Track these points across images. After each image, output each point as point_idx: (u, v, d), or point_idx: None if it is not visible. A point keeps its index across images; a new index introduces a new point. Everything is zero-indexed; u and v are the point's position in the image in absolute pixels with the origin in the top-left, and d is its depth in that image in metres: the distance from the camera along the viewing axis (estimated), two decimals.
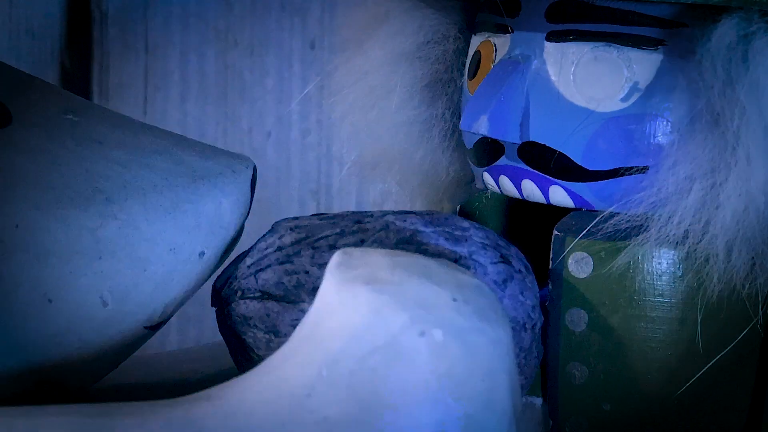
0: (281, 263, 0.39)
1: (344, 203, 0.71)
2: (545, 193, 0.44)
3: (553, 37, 0.43)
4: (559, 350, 0.43)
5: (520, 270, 0.38)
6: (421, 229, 0.38)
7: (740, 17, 0.40)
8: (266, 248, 0.40)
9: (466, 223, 0.39)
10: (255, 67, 0.70)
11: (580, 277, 0.42)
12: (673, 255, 0.41)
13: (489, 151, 0.45)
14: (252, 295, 0.39)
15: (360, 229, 0.39)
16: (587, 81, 0.42)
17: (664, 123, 0.42)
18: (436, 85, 0.48)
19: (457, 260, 0.39)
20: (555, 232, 0.43)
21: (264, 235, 0.41)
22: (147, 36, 0.69)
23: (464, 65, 0.48)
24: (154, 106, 0.69)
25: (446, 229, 0.38)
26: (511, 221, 0.48)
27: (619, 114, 0.42)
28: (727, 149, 0.40)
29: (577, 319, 0.43)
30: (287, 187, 0.70)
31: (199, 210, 0.39)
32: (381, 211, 0.40)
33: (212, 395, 0.32)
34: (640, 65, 0.42)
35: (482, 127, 0.43)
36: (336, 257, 0.33)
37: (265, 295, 0.39)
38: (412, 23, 0.48)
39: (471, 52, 0.47)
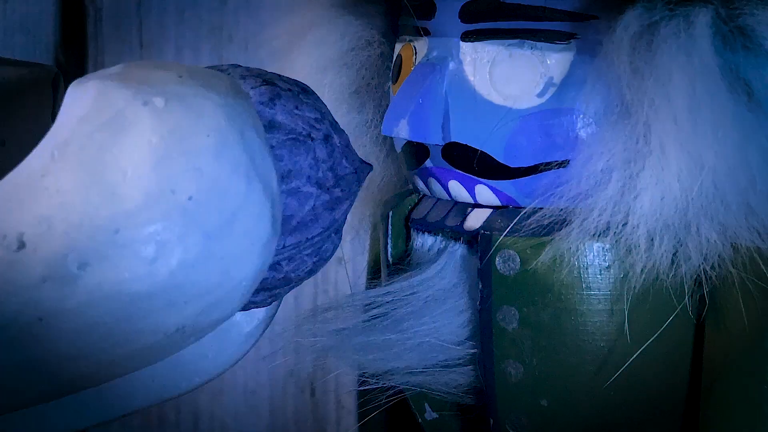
0: None
1: None
2: (471, 193, 0.44)
3: (468, 36, 0.43)
4: (493, 349, 0.43)
5: (289, 89, 0.38)
6: None
7: (644, 6, 0.40)
8: None
9: (225, 66, 0.39)
10: (250, 62, 0.70)
11: (508, 274, 0.42)
12: (597, 247, 0.42)
13: (415, 154, 0.45)
14: None
15: None
16: (503, 79, 0.43)
17: (581, 116, 0.42)
18: (363, 91, 0.49)
19: None
20: (481, 231, 0.43)
21: None
22: (141, 31, 0.69)
23: (390, 70, 0.48)
24: None
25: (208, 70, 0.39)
26: None
27: (535, 110, 0.42)
28: (640, 139, 0.40)
29: (508, 317, 0.43)
30: None
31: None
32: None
33: None
34: (553, 60, 0.42)
35: (402, 131, 0.43)
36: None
37: None
38: (336, 31, 0.48)
39: (394, 57, 0.47)
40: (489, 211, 0.44)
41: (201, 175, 0.33)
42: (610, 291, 0.42)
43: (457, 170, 0.44)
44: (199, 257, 0.33)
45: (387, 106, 0.48)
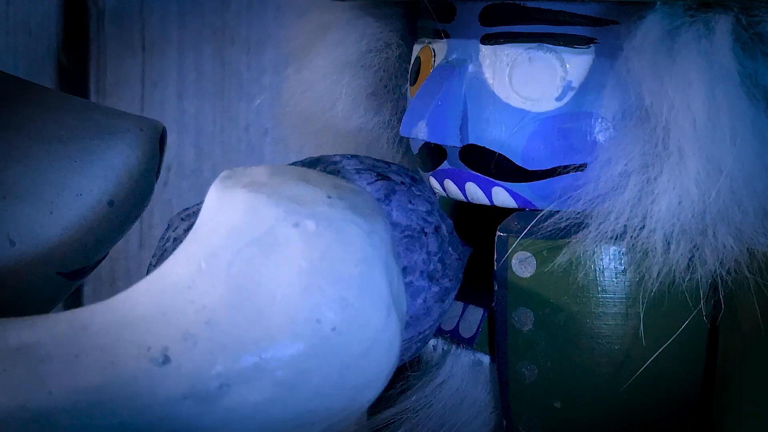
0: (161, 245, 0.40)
1: None
2: (488, 195, 0.44)
3: (488, 39, 0.43)
4: (508, 350, 0.43)
5: (402, 182, 0.39)
6: None
7: (664, 12, 0.40)
8: (164, 243, 0.41)
9: (337, 157, 0.40)
10: (252, 64, 0.70)
11: (524, 276, 0.43)
12: (614, 250, 0.42)
13: (432, 155, 0.46)
14: None
15: None
16: (522, 82, 0.43)
17: (599, 120, 0.42)
18: (381, 92, 0.49)
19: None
20: (498, 233, 0.43)
21: (163, 232, 0.42)
22: (144, 33, 0.69)
23: (408, 72, 0.48)
24: (152, 103, 0.69)
25: (317, 168, 0.39)
26: (459, 224, 0.48)
27: (554, 113, 0.43)
28: (659, 143, 0.40)
29: (523, 319, 0.43)
30: None
31: (106, 161, 0.41)
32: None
33: (103, 301, 0.34)
34: (573, 64, 0.42)
35: (421, 132, 0.43)
36: (221, 175, 0.35)
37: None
38: (354, 32, 0.48)
39: (413, 59, 0.47)
40: (481, 311, 0.44)
41: (346, 306, 0.33)
42: (625, 294, 0.42)
43: (474, 172, 0.44)
44: (335, 386, 0.33)
45: (404, 108, 0.48)
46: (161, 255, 0.41)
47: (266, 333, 0.32)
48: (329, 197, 0.34)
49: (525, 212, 0.44)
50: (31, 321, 0.33)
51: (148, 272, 0.42)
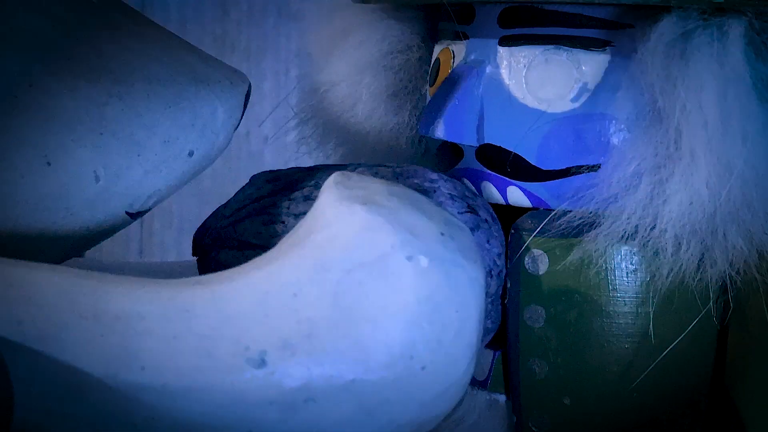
0: (258, 213, 0.40)
1: None
2: (503, 194, 0.45)
3: (506, 41, 0.44)
4: (519, 346, 0.44)
5: (486, 220, 0.39)
6: (390, 180, 0.39)
7: (679, 16, 0.41)
8: (244, 199, 0.41)
9: (434, 175, 0.40)
10: (252, 71, 0.71)
11: (537, 273, 0.43)
12: (625, 250, 0.42)
13: (450, 155, 0.46)
14: (231, 245, 0.40)
15: None
16: (538, 83, 0.44)
17: (613, 121, 0.43)
18: (401, 94, 0.50)
19: None
20: (511, 230, 0.44)
21: (243, 187, 0.42)
22: None
23: (428, 74, 0.49)
24: None
25: (415, 181, 0.40)
26: None
27: (569, 114, 0.43)
28: (671, 145, 0.41)
29: (535, 316, 0.44)
30: None
31: (196, 110, 0.40)
32: (355, 164, 0.41)
33: (203, 280, 0.34)
34: (588, 66, 0.43)
35: (438, 131, 0.44)
36: (334, 177, 0.35)
37: (243, 244, 0.40)
38: (376, 34, 0.49)
39: (433, 61, 0.48)
40: (491, 353, 0.45)
41: (440, 348, 0.33)
42: (636, 293, 0.43)
43: (490, 171, 0.45)
44: (410, 418, 0.34)
45: (423, 108, 0.49)
46: (238, 209, 0.40)
47: (362, 357, 0.33)
48: (442, 234, 0.34)
49: (539, 211, 0.44)
50: (132, 287, 0.33)
51: (209, 226, 0.41)
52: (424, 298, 0.33)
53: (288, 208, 0.41)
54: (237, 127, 0.43)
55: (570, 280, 0.43)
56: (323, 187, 0.35)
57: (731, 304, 0.42)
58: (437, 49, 0.48)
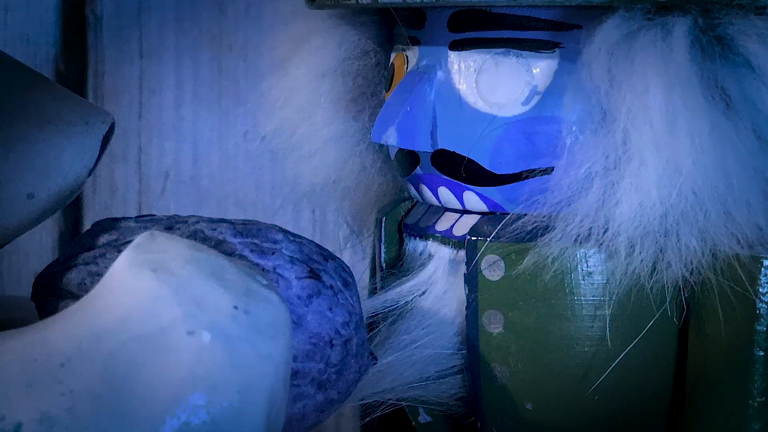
0: (86, 263, 0.39)
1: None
2: (460, 199, 0.45)
3: (456, 46, 0.44)
4: (479, 352, 0.44)
5: (331, 286, 0.38)
6: (229, 239, 0.39)
7: (622, 16, 0.40)
8: (78, 247, 0.40)
9: (279, 236, 0.39)
10: (249, 71, 0.71)
11: (494, 279, 0.43)
12: (580, 253, 0.42)
13: (406, 161, 0.46)
14: (57, 294, 0.39)
15: None
16: (489, 87, 0.43)
17: (563, 124, 0.42)
18: (360, 99, 0.49)
19: None
20: (467, 236, 0.44)
21: (81, 234, 0.41)
22: (141, 41, 0.70)
23: (386, 79, 0.49)
24: (150, 110, 0.70)
25: (254, 241, 0.39)
26: None
27: (520, 118, 0.43)
28: (619, 147, 0.40)
29: (494, 321, 0.43)
30: (282, 192, 0.71)
31: (36, 152, 0.39)
32: (197, 217, 0.40)
33: None
34: (538, 69, 0.43)
35: (391, 138, 0.44)
36: (139, 237, 0.33)
37: (66, 294, 0.39)
38: (333, 40, 0.49)
39: (389, 66, 0.48)
40: (477, 217, 0.45)
41: (215, 429, 0.31)
42: (593, 296, 0.42)
43: (445, 177, 0.45)
44: None
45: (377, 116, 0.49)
46: (69, 258, 0.39)
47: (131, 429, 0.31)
48: (235, 308, 0.32)
49: (495, 216, 0.44)
50: None
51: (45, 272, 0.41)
52: (202, 377, 0.31)
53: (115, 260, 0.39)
54: (93, 168, 0.42)
55: (527, 284, 0.43)
56: (127, 246, 0.33)
57: (687, 305, 0.42)
58: (393, 55, 0.48)
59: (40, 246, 0.69)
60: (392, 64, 0.47)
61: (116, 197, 0.69)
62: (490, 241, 0.43)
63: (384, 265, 0.48)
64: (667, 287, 0.41)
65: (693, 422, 0.42)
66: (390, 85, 0.47)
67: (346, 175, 0.50)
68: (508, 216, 0.43)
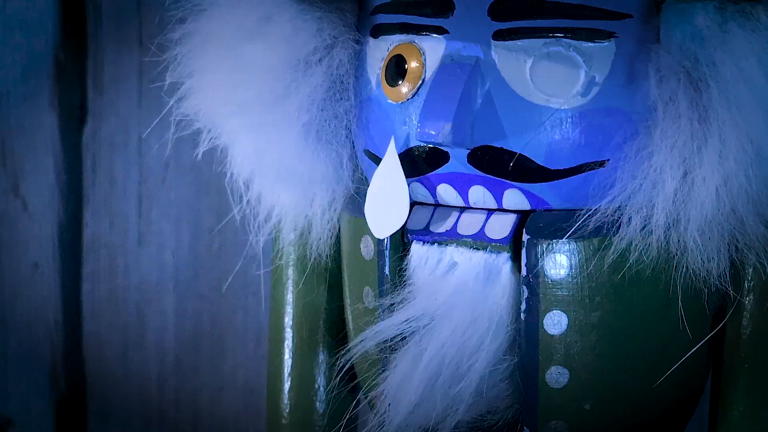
0: None
1: None
2: (498, 198, 0.42)
3: (501, 36, 0.42)
4: (538, 356, 0.42)
5: None
6: None
7: (704, 9, 0.40)
8: None
9: None
10: None
11: (557, 279, 0.41)
12: (648, 247, 0.41)
13: (429, 160, 0.43)
14: None
15: None
16: (544, 78, 0.41)
17: (624, 115, 0.41)
18: (334, 89, 0.45)
19: None
20: (526, 236, 0.42)
21: None
22: (141, 29, 0.68)
23: (362, 69, 0.45)
24: (149, 99, 0.68)
25: None
26: None
27: (579, 110, 0.41)
28: (690, 137, 0.40)
29: (556, 322, 0.42)
30: None
31: None
32: None
33: None
34: (595, 59, 0.41)
35: (445, 136, 0.41)
36: None
37: None
38: (303, 28, 0.44)
39: (378, 57, 0.44)
40: (513, 216, 0.42)
41: None
42: (665, 290, 0.41)
43: (485, 174, 0.42)
44: None
45: (360, 106, 0.45)
46: None
47: None
48: None
49: (552, 213, 0.42)
50: None
51: None
52: None
53: None
54: None
55: (592, 282, 0.41)
56: None
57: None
58: (382, 45, 0.44)
59: (39, 237, 0.67)
60: (397, 55, 0.43)
61: (116, 187, 0.67)
62: (555, 239, 0.41)
63: (389, 275, 0.44)
64: (745, 276, 0.41)
65: (728, 402, 0.43)
66: (400, 78, 0.43)
67: (317, 168, 0.46)
68: (580, 211, 0.41)
